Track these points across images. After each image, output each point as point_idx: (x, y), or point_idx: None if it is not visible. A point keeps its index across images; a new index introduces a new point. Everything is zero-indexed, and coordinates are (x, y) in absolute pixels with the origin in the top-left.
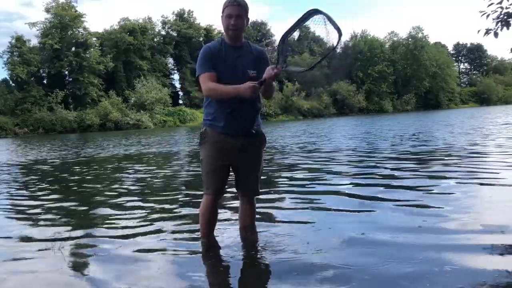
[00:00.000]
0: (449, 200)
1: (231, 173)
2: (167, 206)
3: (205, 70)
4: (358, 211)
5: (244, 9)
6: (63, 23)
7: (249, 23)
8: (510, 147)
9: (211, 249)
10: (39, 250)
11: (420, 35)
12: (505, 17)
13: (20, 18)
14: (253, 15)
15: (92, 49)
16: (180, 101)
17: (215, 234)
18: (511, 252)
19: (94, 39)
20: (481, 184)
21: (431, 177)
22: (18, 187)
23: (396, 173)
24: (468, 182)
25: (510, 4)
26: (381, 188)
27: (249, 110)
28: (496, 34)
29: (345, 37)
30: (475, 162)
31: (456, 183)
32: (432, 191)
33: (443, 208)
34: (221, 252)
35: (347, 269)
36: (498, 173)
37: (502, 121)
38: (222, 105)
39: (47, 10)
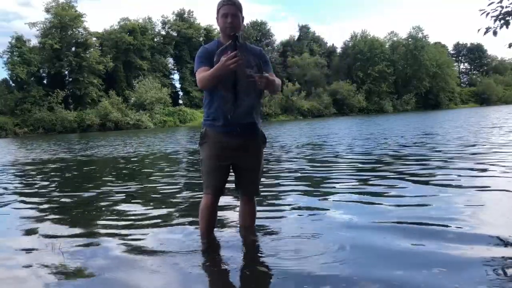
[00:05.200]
0: (444, 202)
1: (231, 173)
2: (166, 206)
3: (199, 65)
4: (356, 212)
5: (239, 8)
6: (63, 23)
7: (248, 22)
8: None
9: (210, 249)
10: (38, 249)
11: (420, 35)
12: (505, 16)
13: (18, 18)
14: (253, 15)
15: (92, 49)
16: (180, 101)
17: (214, 234)
18: (505, 253)
19: (94, 39)
20: (479, 186)
21: (427, 178)
22: (18, 186)
23: (394, 175)
24: (465, 184)
25: (510, 3)
26: (379, 190)
27: (246, 106)
28: (495, 33)
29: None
30: (474, 165)
31: (453, 185)
32: (427, 192)
33: (437, 210)
34: (221, 252)
35: (343, 271)
36: (496, 176)
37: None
38: (220, 104)
39: (47, 10)
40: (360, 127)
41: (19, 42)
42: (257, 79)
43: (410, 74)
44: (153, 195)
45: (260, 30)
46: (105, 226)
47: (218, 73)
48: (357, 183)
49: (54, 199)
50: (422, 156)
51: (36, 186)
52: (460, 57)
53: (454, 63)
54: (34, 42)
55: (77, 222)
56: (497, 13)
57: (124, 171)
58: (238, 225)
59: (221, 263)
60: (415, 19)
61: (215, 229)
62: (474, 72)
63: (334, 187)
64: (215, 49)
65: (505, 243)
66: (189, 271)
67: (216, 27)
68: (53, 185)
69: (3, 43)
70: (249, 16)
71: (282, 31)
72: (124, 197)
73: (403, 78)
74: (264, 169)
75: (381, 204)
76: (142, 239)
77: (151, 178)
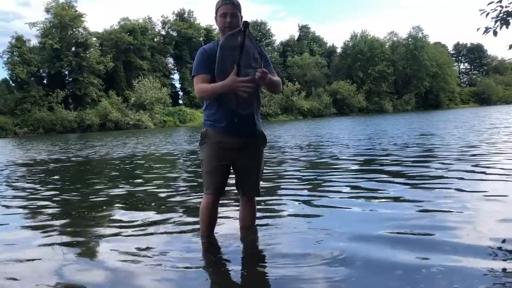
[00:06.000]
0: (442, 203)
1: (231, 173)
2: (167, 206)
3: (198, 72)
4: (356, 212)
5: (238, 7)
6: (63, 23)
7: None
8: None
9: (210, 249)
10: (39, 250)
11: (420, 35)
12: (505, 15)
13: (17, 18)
14: (253, 15)
15: (92, 49)
16: (180, 101)
17: (215, 234)
18: (504, 254)
19: (94, 39)
20: (476, 187)
21: (424, 179)
22: (19, 186)
23: (393, 175)
24: (461, 188)
25: (510, 3)
26: (376, 194)
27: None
28: (495, 33)
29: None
30: (473, 164)
31: (452, 186)
32: (424, 197)
33: (434, 210)
34: (221, 252)
35: (342, 272)
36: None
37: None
38: (222, 106)
39: (47, 10)
40: (359, 127)
41: (19, 42)
42: (259, 74)
43: (410, 74)
44: (152, 196)
45: (260, 30)
46: (104, 228)
47: (223, 91)
48: (355, 186)
49: (54, 198)
50: (419, 158)
51: (31, 188)
52: (460, 57)
53: (454, 63)
54: (34, 42)
55: (78, 222)
56: (496, 12)
57: (122, 172)
58: (238, 225)
59: (221, 263)
60: (415, 19)
61: (215, 229)
62: (474, 72)
63: (333, 189)
64: (215, 50)
65: (504, 245)
66: (189, 271)
67: (216, 27)
68: (49, 188)
69: (3, 43)
70: (248, 16)
71: (282, 31)
72: (123, 198)
73: (403, 78)
74: (264, 170)
75: (379, 206)
76: (142, 239)
77: (150, 178)
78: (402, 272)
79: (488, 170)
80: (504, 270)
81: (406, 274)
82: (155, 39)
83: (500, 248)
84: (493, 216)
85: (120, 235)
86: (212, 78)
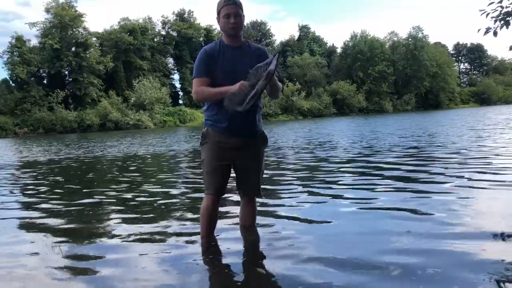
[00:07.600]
0: (441, 203)
1: (232, 173)
2: (167, 206)
3: (197, 74)
4: (356, 212)
5: (240, 7)
6: (63, 23)
7: (248, 22)
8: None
9: (210, 249)
10: (38, 249)
11: (420, 35)
12: (505, 16)
13: (17, 18)
14: (253, 15)
15: (92, 49)
16: (180, 101)
17: (215, 234)
18: (502, 255)
19: (94, 39)
20: (474, 187)
21: (423, 179)
22: (19, 186)
23: (393, 174)
24: (461, 185)
25: (510, 3)
26: (377, 189)
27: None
28: (495, 33)
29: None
30: (471, 164)
31: (451, 185)
32: (424, 195)
33: (434, 213)
34: (221, 252)
35: (341, 273)
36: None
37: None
38: (223, 108)
39: (47, 10)
40: (359, 128)
41: (19, 42)
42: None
43: (410, 74)
44: (152, 196)
45: (260, 30)
46: (102, 228)
47: (223, 95)
48: (355, 188)
49: (54, 198)
50: (420, 160)
51: (28, 189)
52: (460, 57)
53: (454, 63)
54: (34, 42)
55: (77, 222)
56: (497, 13)
57: (121, 172)
58: (239, 225)
59: (221, 263)
60: (415, 19)
61: (215, 229)
62: (474, 72)
63: (333, 191)
64: (216, 50)
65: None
66: (189, 272)
67: (216, 27)
68: (48, 188)
69: (3, 43)
70: (248, 16)
71: (282, 31)
72: (122, 198)
73: (403, 78)
74: (264, 170)
75: (379, 207)
76: (142, 239)
77: (150, 178)
78: (400, 272)
79: (492, 170)
80: (505, 270)
81: (404, 275)
82: (155, 39)
83: (501, 248)
84: (494, 215)
85: (119, 235)
86: (216, 78)
